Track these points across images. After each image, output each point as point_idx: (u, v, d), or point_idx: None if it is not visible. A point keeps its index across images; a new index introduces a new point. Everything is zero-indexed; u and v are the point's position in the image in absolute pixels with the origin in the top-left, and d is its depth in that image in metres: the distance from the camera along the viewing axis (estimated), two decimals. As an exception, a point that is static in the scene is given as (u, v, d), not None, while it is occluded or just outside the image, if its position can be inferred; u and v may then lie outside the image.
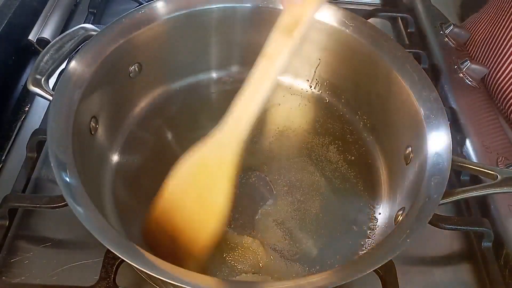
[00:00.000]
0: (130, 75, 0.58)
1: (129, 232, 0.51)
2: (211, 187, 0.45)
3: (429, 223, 0.44)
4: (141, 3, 0.72)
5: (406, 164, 0.53)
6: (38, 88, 0.50)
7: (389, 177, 0.57)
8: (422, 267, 0.53)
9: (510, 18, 0.67)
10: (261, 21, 0.63)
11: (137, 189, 0.55)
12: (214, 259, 0.49)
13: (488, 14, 0.73)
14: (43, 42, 0.69)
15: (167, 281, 0.37)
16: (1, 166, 0.57)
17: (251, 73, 0.45)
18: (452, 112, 0.65)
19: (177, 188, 0.46)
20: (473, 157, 0.60)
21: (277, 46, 0.45)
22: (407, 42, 0.79)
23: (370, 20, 0.76)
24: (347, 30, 0.60)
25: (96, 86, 0.52)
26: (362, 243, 0.52)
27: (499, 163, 0.59)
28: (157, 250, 0.45)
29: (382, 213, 0.55)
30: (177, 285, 0.37)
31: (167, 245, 0.46)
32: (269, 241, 0.52)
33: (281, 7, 0.60)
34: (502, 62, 0.67)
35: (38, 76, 0.50)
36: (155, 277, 0.37)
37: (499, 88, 0.68)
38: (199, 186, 0.46)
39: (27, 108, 0.65)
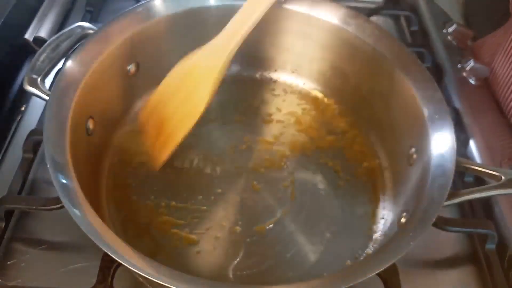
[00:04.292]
0: (128, 74, 0.58)
1: (126, 235, 0.50)
2: (198, 86, 0.54)
3: (433, 225, 0.43)
4: (138, 1, 0.71)
5: (410, 165, 0.52)
6: (35, 88, 0.49)
7: (392, 178, 0.56)
8: (425, 270, 0.52)
9: None
10: (261, 20, 0.62)
11: (134, 190, 0.54)
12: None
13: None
14: (39, 41, 0.68)
15: (164, 285, 0.36)
16: (-3, 167, 0.57)
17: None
18: (456, 112, 0.64)
19: (171, 83, 0.55)
20: (477, 158, 0.60)
21: None
22: (410, 41, 0.79)
23: (373, 18, 0.75)
24: (349, 29, 0.59)
25: (93, 86, 0.51)
26: (364, 245, 0.52)
27: (503, 164, 0.58)
28: (147, 132, 0.56)
29: (385, 215, 0.54)
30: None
31: (156, 127, 0.56)
32: (268, 243, 0.51)
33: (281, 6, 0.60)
34: None
35: (35, 76, 0.50)
36: (153, 280, 0.37)
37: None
38: (188, 85, 0.54)
39: (23, 108, 0.64)
